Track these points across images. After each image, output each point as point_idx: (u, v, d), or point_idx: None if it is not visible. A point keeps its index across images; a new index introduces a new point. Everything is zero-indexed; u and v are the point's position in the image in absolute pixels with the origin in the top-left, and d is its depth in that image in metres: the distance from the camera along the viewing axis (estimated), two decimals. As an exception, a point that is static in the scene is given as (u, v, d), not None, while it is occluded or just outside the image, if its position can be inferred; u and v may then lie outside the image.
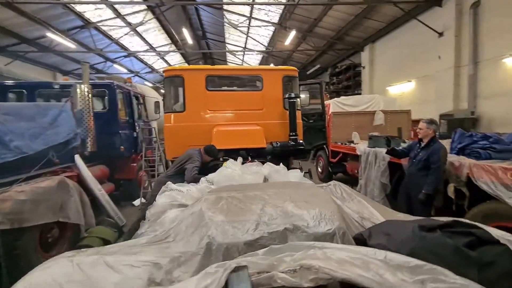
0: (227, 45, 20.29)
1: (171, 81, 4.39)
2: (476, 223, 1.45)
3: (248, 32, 16.07)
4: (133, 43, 16.44)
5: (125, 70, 18.20)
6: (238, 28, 14.96)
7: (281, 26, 14.22)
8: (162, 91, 13.95)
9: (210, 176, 2.46)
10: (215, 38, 19.68)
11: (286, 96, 4.36)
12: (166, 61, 21.63)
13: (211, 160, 3.82)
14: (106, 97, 5.52)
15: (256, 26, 15.37)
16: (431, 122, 3.48)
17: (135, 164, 6.30)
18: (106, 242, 4.00)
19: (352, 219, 1.69)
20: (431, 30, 9.97)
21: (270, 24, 14.64)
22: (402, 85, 12.18)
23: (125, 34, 14.22)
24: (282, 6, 12.58)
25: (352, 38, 14.63)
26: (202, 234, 1.42)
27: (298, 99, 4.38)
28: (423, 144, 3.48)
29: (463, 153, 3.54)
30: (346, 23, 13.08)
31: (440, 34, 9.79)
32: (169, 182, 2.54)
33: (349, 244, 1.44)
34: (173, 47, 18.59)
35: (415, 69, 11.36)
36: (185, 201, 2.30)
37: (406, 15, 10.76)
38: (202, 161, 3.62)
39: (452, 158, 3.45)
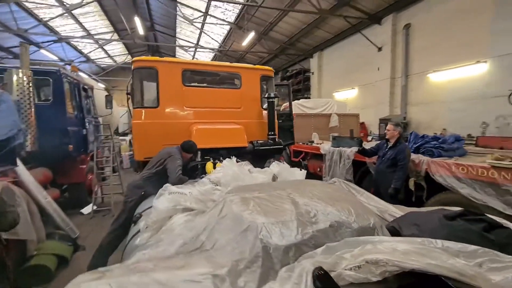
0: (177, 39, 19.28)
1: (142, 72, 3.95)
2: (477, 211, 1.69)
3: (202, 29, 15.57)
4: (65, 27, 14.20)
5: (55, 58, 15.59)
6: (194, 23, 14.35)
7: (237, 26, 14.23)
8: (101, 85, 12.47)
9: (214, 176, 2.29)
10: (164, 31, 18.48)
11: (265, 95, 4.38)
12: (105, 51, 19.37)
13: (190, 160, 3.57)
14: (50, 87, 4.63)
15: (211, 24, 15.01)
16: (397, 124, 3.95)
17: (84, 166, 5.46)
18: (61, 259, 3.39)
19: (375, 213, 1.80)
20: (372, 44, 11.33)
21: (226, 23, 14.48)
22: (347, 91, 13.51)
23: (58, 16, 12.18)
24: (239, 7, 12.60)
25: (302, 45, 15.56)
26: (251, 238, 1.32)
27: (276, 99, 4.44)
28: (390, 144, 3.92)
29: (418, 151, 4.11)
30: (299, 30, 13.86)
31: (379, 49, 11.20)
32: (167, 185, 2.27)
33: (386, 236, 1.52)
34: (115, 36, 16.74)
35: (358, 78, 12.74)
36: (190, 204, 2.10)
37: (352, 28, 11.97)
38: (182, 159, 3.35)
39: (411, 156, 3.97)
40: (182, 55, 22.33)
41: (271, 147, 4.28)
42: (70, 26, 14.21)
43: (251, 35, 12.01)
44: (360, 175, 5.16)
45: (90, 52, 18.32)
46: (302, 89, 17.02)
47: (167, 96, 3.92)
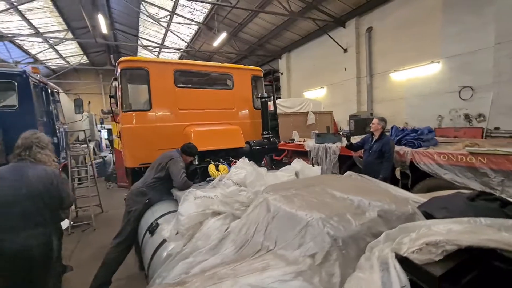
0: (140, 39, 18.27)
1: (131, 74, 3.69)
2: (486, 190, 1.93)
3: (168, 28, 14.99)
4: (9, 24, 12.56)
5: (-5, 58, 13.69)
6: (160, 22, 13.75)
7: (206, 26, 13.99)
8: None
9: (237, 178, 2.24)
10: (126, 30, 17.37)
11: (259, 95, 4.41)
12: (57, 51, 17.56)
13: (190, 163, 3.45)
14: (15, 91, 4.08)
15: (178, 23, 14.54)
16: (382, 119, 4.27)
17: (56, 178, 4.90)
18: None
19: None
20: (338, 45, 12.01)
21: (194, 23, 14.14)
22: (316, 90, 14.12)
23: (0, 11, 10.71)
24: (208, 6, 12.41)
25: (271, 46, 15.87)
26: (316, 233, 1.34)
27: (269, 99, 4.49)
28: (375, 138, 4.22)
29: (400, 143, 4.49)
30: (268, 32, 14.12)
31: (345, 50, 11.93)
32: (190, 190, 2.17)
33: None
34: (69, 35, 15.27)
35: (326, 77, 13.40)
36: (218, 207, 2.05)
37: (319, 30, 12.56)
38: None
39: (395, 148, 4.33)
40: (145, 55, 21.23)
41: (267, 146, 4.32)
42: (15, 23, 12.62)
43: (223, 35, 11.90)
44: (346, 168, 5.45)
45: (39, 52, 16.47)
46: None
47: (159, 98, 3.73)
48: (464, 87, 8.04)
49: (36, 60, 17.12)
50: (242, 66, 4.65)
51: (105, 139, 16.41)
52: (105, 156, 10.60)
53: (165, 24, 14.55)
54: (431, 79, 8.91)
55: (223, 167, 3.41)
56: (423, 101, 9.24)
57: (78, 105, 5.62)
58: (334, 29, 12.18)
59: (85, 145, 11.97)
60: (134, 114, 3.64)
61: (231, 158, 3.86)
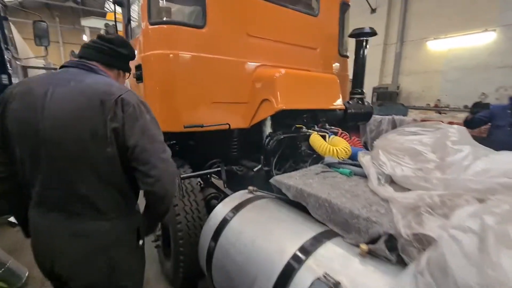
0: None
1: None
2: None
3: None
4: None
5: None
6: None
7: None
8: None
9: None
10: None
11: (355, 31, 2.85)
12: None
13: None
14: None
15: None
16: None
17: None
18: None
19: None
20: (365, 3, 10.30)
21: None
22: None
23: None
24: None
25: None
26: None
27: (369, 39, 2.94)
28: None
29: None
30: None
31: (373, 10, 10.28)
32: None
33: None
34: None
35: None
36: None
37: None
38: None
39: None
40: None
41: (362, 111, 2.89)
42: None
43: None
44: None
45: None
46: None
47: (220, 9, 2.04)
48: (522, 61, 7.02)
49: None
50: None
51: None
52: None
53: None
54: (481, 50, 7.75)
55: (338, 140, 1.95)
56: (465, 76, 8.15)
57: (40, 32, 3.65)
58: (364, -17, 10.35)
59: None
60: (174, 31, 1.93)
61: (327, 125, 2.39)
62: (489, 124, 3.23)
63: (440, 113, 5.99)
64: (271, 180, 1.52)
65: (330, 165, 1.66)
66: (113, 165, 0.97)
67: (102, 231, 1.00)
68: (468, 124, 3.35)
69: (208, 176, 2.21)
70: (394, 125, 4.53)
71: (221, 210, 1.54)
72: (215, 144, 2.41)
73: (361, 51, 2.88)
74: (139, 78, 2.07)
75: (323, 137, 1.99)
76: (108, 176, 0.98)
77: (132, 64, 2.19)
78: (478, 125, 3.40)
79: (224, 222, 1.44)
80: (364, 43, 2.87)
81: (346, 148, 1.81)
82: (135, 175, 1.01)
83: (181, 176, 1.80)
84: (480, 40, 7.72)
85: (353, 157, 1.88)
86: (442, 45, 8.60)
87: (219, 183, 2.29)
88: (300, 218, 1.29)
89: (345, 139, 2.08)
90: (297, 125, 2.19)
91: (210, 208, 2.04)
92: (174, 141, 2.47)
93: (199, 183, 2.11)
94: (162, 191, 1.03)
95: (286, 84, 2.10)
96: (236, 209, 1.47)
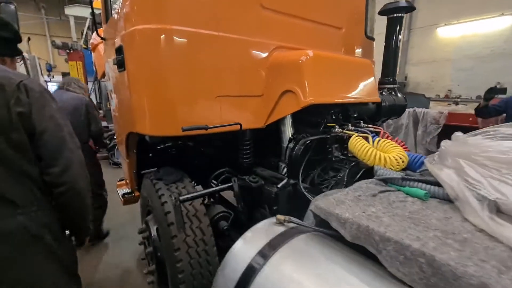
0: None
1: None
2: None
3: None
4: None
5: None
6: None
7: None
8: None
9: None
10: None
11: (388, 6, 2.35)
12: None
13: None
14: None
15: None
16: None
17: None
18: None
19: None
20: (371, -11, 9.71)
21: None
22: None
23: None
24: None
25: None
26: None
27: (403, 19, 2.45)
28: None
29: None
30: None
31: (379, -5, 9.71)
32: None
33: None
34: None
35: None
36: None
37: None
38: None
39: None
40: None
41: (397, 103, 2.41)
42: None
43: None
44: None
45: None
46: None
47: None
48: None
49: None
50: None
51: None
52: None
53: None
54: (496, 36, 7.28)
55: (388, 144, 1.47)
56: (479, 64, 7.70)
57: (8, 16, 3.00)
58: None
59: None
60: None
61: (362, 123, 1.91)
62: (504, 114, 2.81)
63: (456, 104, 5.54)
64: (312, 209, 1.04)
65: (387, 180, 1.19)
66: (22, 151, 0.93)
67: (21, 228, 0.94)
68: (480, 113, 2.91)
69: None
70: (416, 119, 4.07)
71: (242, 251, 1.05)
72: (221, 148, 1.92)
73: (395, 32, 2.38)
74: (120, 65, 1.57)
75: (366, 139, 1.52)
76: (18, 165, 0.93)
77: (113, 48, 1.68)
78: (492, 115, 2.98)
79: (249, 272, 0.96)
80: (398, 22, 2.36)
81: (402, 156, 1.34)
82: (40, 165, 0.98)
83: (181, 198, 1.31)
84: (495, 26, 7.24)
85: (410, 167, 1.41)
86: (453, 31, 8.11)
87: (224, 193, 1.82)
88: (369, 272, 0.81)
89: (386, 136, 1.62)
90: (328, 124, 1.71)
91: (217, 233, 1.57)
92: (169, 144, 1.98)
93: (202, 201, 1.63)
94: (69, 183, 1.01)
95: (315, 70, 1.60)
96: (266, 251, 0.99)
